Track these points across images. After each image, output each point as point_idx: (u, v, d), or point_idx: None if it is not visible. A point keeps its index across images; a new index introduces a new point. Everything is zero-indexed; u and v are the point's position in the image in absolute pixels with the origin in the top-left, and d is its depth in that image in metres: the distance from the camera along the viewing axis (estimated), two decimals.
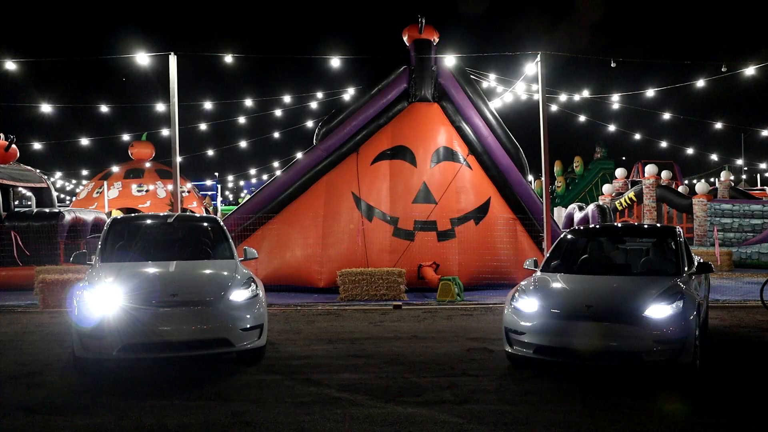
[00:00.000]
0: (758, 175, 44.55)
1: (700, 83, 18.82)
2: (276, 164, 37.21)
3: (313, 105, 22.98)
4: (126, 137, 31.06)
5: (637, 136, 28.69)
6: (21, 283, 16.35)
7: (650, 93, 20.22)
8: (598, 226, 10.05)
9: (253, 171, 43.68)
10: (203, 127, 24.89)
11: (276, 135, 29.66)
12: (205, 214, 21.50)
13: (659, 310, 6.96)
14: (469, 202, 16.10)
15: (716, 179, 34.49)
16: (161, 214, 10.30)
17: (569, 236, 9.23)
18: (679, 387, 6.76)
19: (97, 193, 30.72)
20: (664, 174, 29.97)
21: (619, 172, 30.84)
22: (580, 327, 6.92)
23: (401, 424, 5.66)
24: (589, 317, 6.94)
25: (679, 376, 7.05)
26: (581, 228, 9.71)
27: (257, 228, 16.11)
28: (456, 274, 14.96)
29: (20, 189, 22.24)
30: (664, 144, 29.99)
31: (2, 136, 19.40)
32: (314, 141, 16.59)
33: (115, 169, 32.46)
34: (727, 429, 5.58)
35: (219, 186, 49.68)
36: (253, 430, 5.57)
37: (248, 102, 21.90)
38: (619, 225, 11.47)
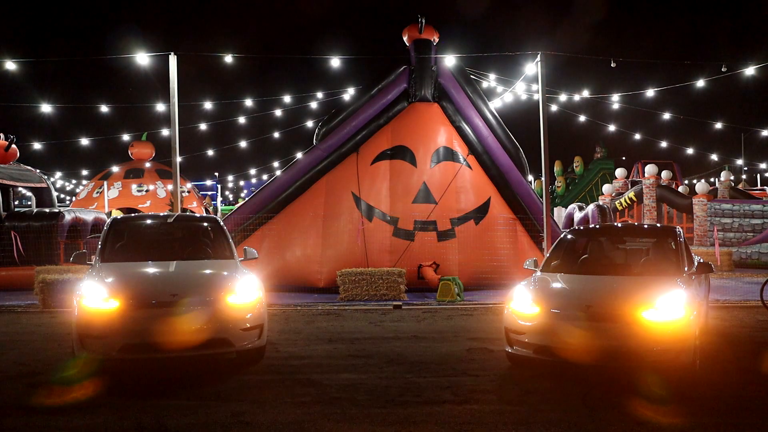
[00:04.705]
0: (758, 175, 44.57)
1: (700, 83, 18.81)
2: (276, 164, 37.20)
3: (313, 105, 22.98)
4: (126, 137, 31.07)
5: (637, 136, 28.68)
6: (21, 283, 16.35)
7: (650, 93, 20.20)
8: (598, 226, 10.05)
9: (253, 171, 43.72)
10: (203, 127, 24.88)
11: (276, 135, 29.66)
12: (205, 214, 21.49)
13: (659, 311, 6.96)
14: (469, 202, 16.10)
15: (716, 179, 34.49)
16: (161, 214, 10.30)
17: (569, 236, 9.23)
18: (679, 387, 6.76)
19: (97, 193, 30.72)
20: (664, 174, 30.00)
21: (619, 172, 30.86)
22: (580, 327, 6.92)
23: (401, 424, 5.66)
24: (589, 317, 6.94)
25: (678, 376, 7.05)
26: (581, 228, 9.71)
27: (257, 228, 16.10)
28: (456, 274, 14.96)
29: (20, 189, 22.27)
30: (664, 144, 29.98)
31: (2, 136, 19.41)
32: (314, 141, 16.58)
33: (115, 169, 32.46)
34: (726, 429, 5.58)
35: (219, 186, 49.68)
36: (253, 430, 5.57)
37: (248, 102, 21.90)
38: (619, 225, 11.46)
